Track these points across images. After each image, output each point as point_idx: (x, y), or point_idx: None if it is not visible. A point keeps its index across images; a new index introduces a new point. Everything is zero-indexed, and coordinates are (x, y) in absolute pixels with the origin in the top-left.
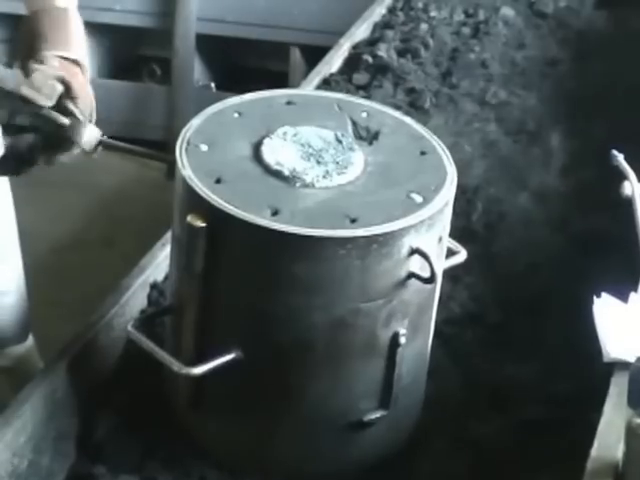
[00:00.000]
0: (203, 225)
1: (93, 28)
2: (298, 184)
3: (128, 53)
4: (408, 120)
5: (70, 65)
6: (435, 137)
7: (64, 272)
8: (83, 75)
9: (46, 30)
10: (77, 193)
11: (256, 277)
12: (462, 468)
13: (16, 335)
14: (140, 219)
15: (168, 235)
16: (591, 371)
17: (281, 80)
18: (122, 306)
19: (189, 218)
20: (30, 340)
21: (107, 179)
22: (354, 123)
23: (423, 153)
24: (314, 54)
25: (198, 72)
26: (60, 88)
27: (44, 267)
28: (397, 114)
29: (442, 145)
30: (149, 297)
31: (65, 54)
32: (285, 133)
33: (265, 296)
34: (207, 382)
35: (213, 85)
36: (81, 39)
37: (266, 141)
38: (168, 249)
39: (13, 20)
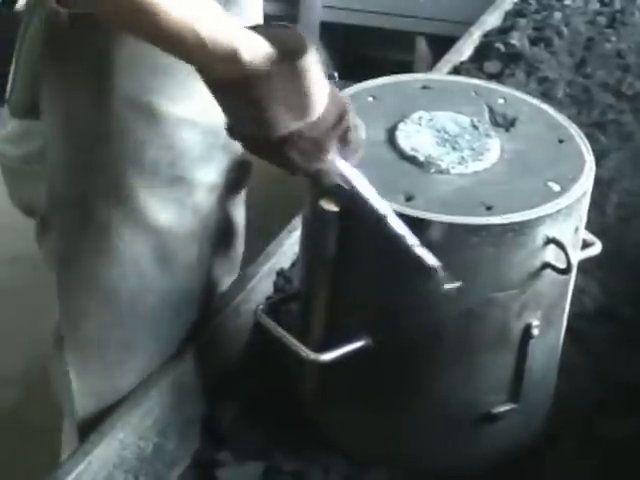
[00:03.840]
0: (336, 209)
1: None
2: (433, 170)
3: None
4: (546, 107)
5: None
6: (574, 125)
7: None
8: None
9: None
10: None
11: (386, 264)
12: (593, 468)
13: None
14: (263, 212)
15: (294, 222)
16: None
17: (406, 71)
18: (248, 292)
19: (322, 202)
20: None
21: None
22: (491, 109)
23: (561, 141)
24: (440, 44)
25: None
26: None
27: None
28: (535, 101)
29: (580, 134)
30: (275, 284)
31: None
32: (420, 118)
33: (395, 284)
34: (334, 370)
35: (336, 74)
36: None
37: (401, 126)
38: (294, 236)
39: None
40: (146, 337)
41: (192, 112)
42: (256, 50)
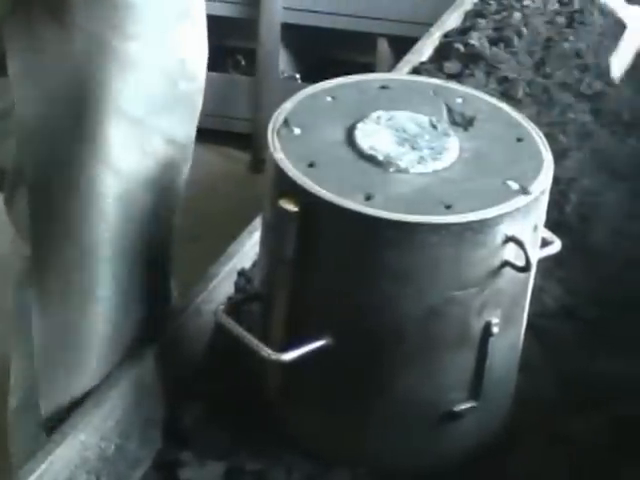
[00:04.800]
0: (295, 209)
1: None
2: (392, 169)
3: (212, 44)
4: (504, 106)
5: None
6: (532, 124)
7: None
8: None
9: None
10: None
11: (348, 263)
12: (555, 465)
13: None
14: (225, 213)
15: (255, 222)
16: None
17: (368, 72)
18: (210, 292)
19: (281, 202)
20: None
21: (191, 173)
22: (449, 109)
23: (519, 140)
24: (402, 45)
25: (283, 63)
26: None
27: None
28: (493, 100)
29: (539, 132)
30: (236, 284)
31: None
32: (379, 117)
33: (356, 283)
34: (296, 370)
35: (298, 76)
36: None
37: (360, 125)
38: (255, 237)
39: None
40: (106, 285)
41: (152, 54)
42: None
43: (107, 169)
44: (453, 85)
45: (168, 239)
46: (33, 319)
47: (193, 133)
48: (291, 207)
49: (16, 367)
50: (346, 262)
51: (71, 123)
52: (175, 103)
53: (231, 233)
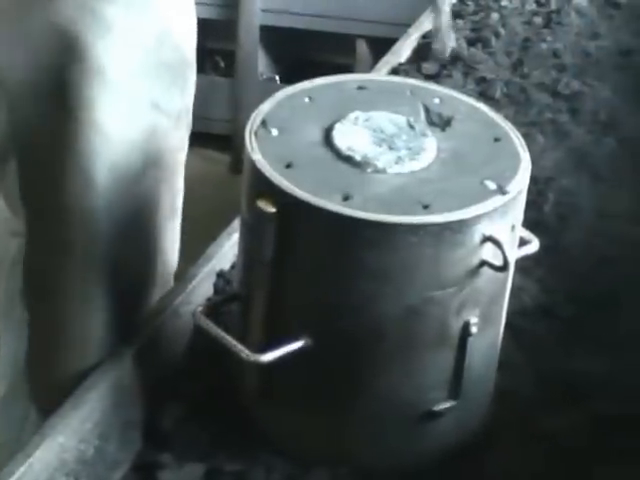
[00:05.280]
0: (273, 210)
1: None
2: (370, 170)
3: None
4: (482, 106)
5: None
6: (509, 124)
7: None
8: None
9: None
10: None
11: (326, 263)
12: (533, 463)
13: None
14: (204, 215)
15: (234, 224)
16: None
17: (347, 73)
18: (188, 294)
19: (259, 203)
20: None
21: None
22: (427, 109)
23: (497, 140)
24: (381, 46)
25: (262, 65)
26: None
27: None
28: (470, 100)
29: (516, 132)
30: (215, 286)
31: None
32: (357, 118)
33: (335, 283)
34: (275, 371)
35: (277, 78)
36: None
37: (337, 126)
38: (234, 238)
39: None
40: (101, 266)
41: (134, 19)
42: None
43: (95, 135)
44: (430, 85)
45: (163, 214)
46: (22, 305)
47: (184, 106)
48: (269, 208)
49: (3, 354)
50: (324, 262)
51: (56, 89)
52: (159, 70)
53: (210, 234)
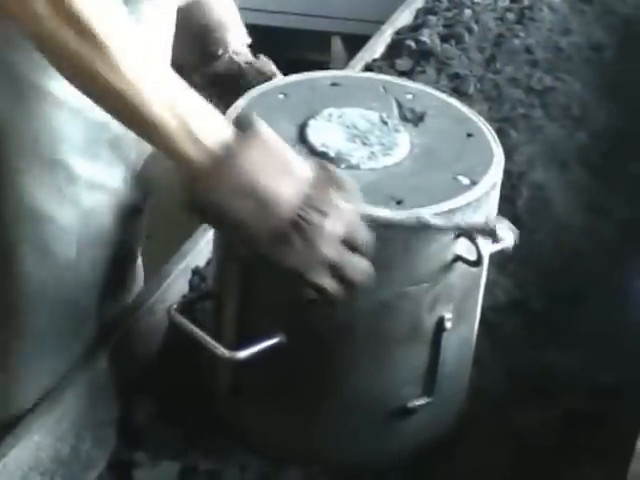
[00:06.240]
0: None
1: None
2: (343, 165)
3: None
4: (454, 102)
5: None
6: (482, 119)
7: None
8: None
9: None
10: None
11: None
12: (504, 459)
13: None
14: (179, 211)
15: None
16: (636, 362)
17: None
18: (163, 291)
19: None
20: None
21: None
22: (399, 105)
23: (469, 135)
24: (356, 43)
25: None
26: None
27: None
28: (443, 96)
29: (489, 127)
30: (191, 283)
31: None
32: (330, 114)
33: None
34: (249, 368)
35: None
36: None
37: (311, 122)
38: (210, 235)
39: None
40: (21, 337)
41: (72, 94)
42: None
43: (24, 215)
44: (403, 81)
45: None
46: None
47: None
48: None
49: None
50: None
51: None
52: (100, 149)
53: (186, 231)
